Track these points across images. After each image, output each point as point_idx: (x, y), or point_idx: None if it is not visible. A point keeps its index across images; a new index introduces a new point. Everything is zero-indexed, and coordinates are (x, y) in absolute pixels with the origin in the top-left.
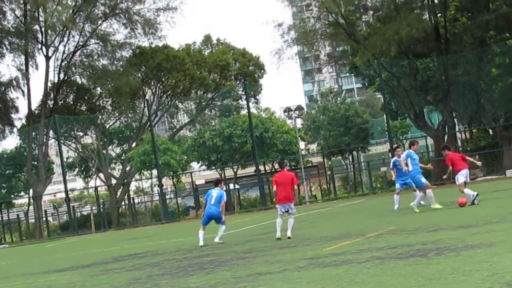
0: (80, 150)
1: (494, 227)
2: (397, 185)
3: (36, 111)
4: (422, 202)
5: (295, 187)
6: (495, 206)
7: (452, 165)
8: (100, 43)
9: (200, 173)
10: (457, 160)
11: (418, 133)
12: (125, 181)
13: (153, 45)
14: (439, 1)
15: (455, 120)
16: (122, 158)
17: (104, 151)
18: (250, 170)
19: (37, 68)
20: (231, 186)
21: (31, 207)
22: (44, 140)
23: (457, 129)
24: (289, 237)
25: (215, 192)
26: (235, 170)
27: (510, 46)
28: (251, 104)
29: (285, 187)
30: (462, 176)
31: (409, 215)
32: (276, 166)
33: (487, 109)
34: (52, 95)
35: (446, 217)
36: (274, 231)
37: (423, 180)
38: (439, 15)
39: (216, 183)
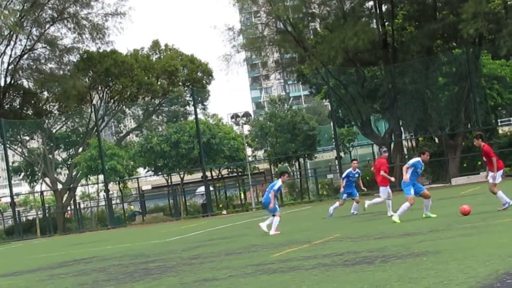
0: (26, 154)
1: (440, 235)
2: (345, 196)
3: None
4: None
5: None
6: (440, 214)
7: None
8: (48, 47)
9: (146, 178)
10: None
11: (365, 140)
12: (71, 186)
13: (100, 50)
14: (386, 10)
15: (402, 128)
16: (69, 163)
17: (51, 156)
18: (197, 176)
19: None
20: (207, 188)
21: None
22: None
23: (403, 137)
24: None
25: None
26: (182, 176)
27: (457, 55)
28: (198, 110)
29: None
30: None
31: (355, 222)
32: (223, 172)
33: (433, 117)
34: None
35: (392, 224)
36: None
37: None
38: (386, 23)
39: (279, 175)
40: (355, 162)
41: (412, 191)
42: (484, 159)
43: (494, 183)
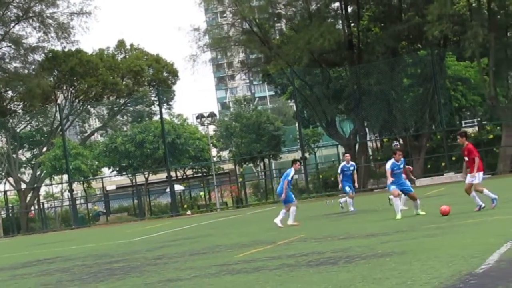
0: None
1: (404, 236)
2: (347, 189)
3: None
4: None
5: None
6: (405, 215)
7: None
8: (13, 46)
9: (111, 178)
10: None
11: (330, 141)
12: (35, 185)
13: (66, 49)
14: (352, 11)
15: (367, 129)
16: (33, 162)
17: (14, 155)
18: (162, 176)
19: None
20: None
21: None
22: None
23: (368, 138)
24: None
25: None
26: (146, 176)
27: (422, 56)
28: (164, 110)
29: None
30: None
31: (320, 223)
32: (188, 172)
33: (398, 118)
34: None
35: (356, 225)
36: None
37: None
38: (352, 25)
39: (291, 163)
40: (347, 155)
41: (392, 187)
42: (466, 158)
43: (479, 182)
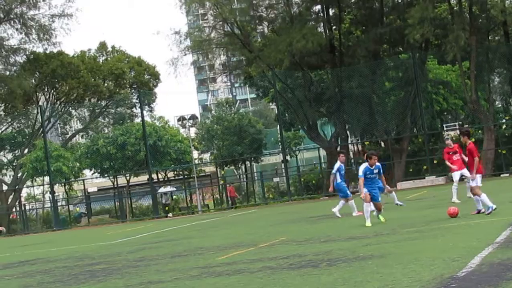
0: None
1: (385, 239)
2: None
3: None
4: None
5: None
6: (386, 218)
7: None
8: None
9: (92, 180)
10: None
11: (311, 144)
12: (17, 187)
13: (47, 51)
14: (334, 14)
15: (348, 132)
16: (14, 164)
17: None
18: (143, 178)
19: None
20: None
21: None
22: None
23: (349, 141)
24: None
25: None
26: (128, 178)
27: (403, 60)
28: (145, 113)
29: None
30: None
31: (301, 225)
32: (169, 174)
33: (379, 122)
34: None
35: (338, 228)
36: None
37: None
38: (333, 28)
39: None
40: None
41: (365, 190)
42: (466, 158)
43: (477, 185)
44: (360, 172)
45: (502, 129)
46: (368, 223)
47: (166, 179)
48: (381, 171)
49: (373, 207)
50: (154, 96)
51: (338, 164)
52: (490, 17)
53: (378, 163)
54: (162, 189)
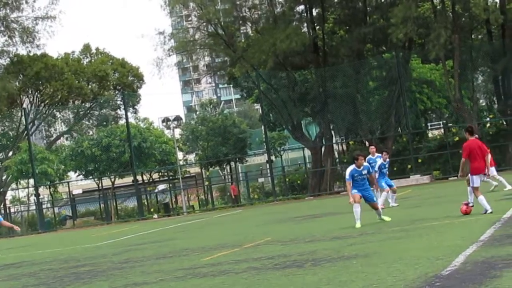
0: None
1: (369, 238)
2: (384, 185)
3: None
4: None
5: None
6: (370, 217)
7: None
8: None
9: (77, 182)
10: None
11: (296, 144)
12: (1, 190)
13: (31, 54)
14: (317, 14)
15: (333, 132)
16: None
17: None
18: (128, 180)
19: None
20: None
21: None
22: None
23: (334, 141)
24: None
25: None
26: (112, 180)
27: (387, 59)
28: (129, 114)
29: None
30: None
31: (286, 226)
32: (154, 176)
33: (363, 121)
34: None
35: (322, 228)
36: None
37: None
38: (317, 27)
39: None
40: (372, 147)
41: (354, 191)
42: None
43: (472, 186)
44: (347, 176)
45: (486, 128)
46: (358, 225)
47: (151, 180)
48: (370, 170)
49: (393, 203)
50: (138, 97)
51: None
52: (473, 16)
53: (366, 163)
54: (160, 187)
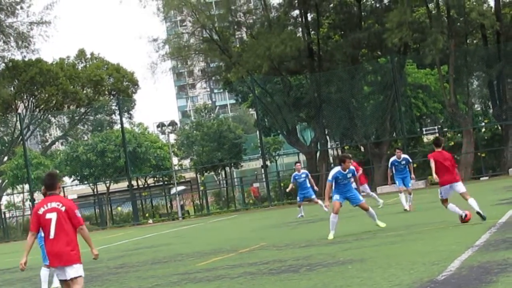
0: None
1: (365, 243)
2: (398, 182)
3: None
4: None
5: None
6: (366, 222)
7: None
8: None
9: (72, 187)
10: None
11: (291, 149)
12: None
13: (26, 59)
14: (312, 18)
15: (328, 137)
16: None
17: None
18: (123, 185)
19: None
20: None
21: None
22: None
23: (329, 146)
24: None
25: None
26: (108, 185)
27: (382, 64)
28: (124, 119)
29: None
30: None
31: (281, 230)
32: (150, 181)
33: (358, 126)
34: None
35: (317, 233)
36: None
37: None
38: (312, 32)
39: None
40: (398, 151)
41: (335, 196)
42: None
43: (442, 198)
44: (330, 177)
45: (482, 132)
46: (331, 236)
47: (146, 185)
48: (355, 173)
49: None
50: (133, 102)
51: (393, 159)
52: (468, 21)
53: (352, 167)
54: (175, 189)
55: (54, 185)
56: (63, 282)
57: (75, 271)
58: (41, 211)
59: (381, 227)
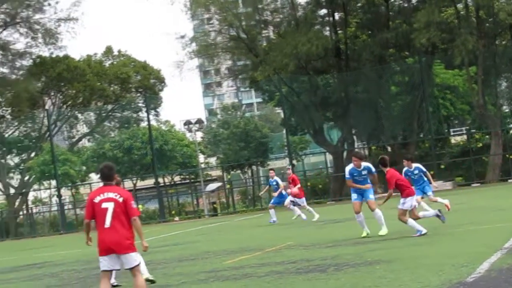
0: None
1: (392, 244)
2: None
3: None
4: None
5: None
6: (392, 223)
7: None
8: (0, 51)
9: (99, 184)
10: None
11: (317, 148)
12: (24, 191)
13: (53, 55)
14: (339, 18)
15: (354, 136)
16: (21, 167)
17: (3, 160)
18: (150, 182)
19: None
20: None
21: None
22: None
23: (356, 146)
24: None
25: None
26: (134, 182)
27: (410, 64)
28: (151, 117)
29: None
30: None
31: (307, 230)
32: (176, 178)
33: (385, 126)
34: None
35: (344, 233)
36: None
37: None
38: (339, 31)
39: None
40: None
41: (354, 196)
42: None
43: (402, 209)
44: (347, 174)
45: (510, 134)
46: (364, 233)
47: (172, 183)
48: (372, 170)
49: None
50: (159, 100)
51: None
52: (497, 21)
53: (366, 164)
54: (210, 187)
55: (112, 176)
56: (106, 272)
57: (133, 259)
58: (97, 200)
59: (381, 235)
